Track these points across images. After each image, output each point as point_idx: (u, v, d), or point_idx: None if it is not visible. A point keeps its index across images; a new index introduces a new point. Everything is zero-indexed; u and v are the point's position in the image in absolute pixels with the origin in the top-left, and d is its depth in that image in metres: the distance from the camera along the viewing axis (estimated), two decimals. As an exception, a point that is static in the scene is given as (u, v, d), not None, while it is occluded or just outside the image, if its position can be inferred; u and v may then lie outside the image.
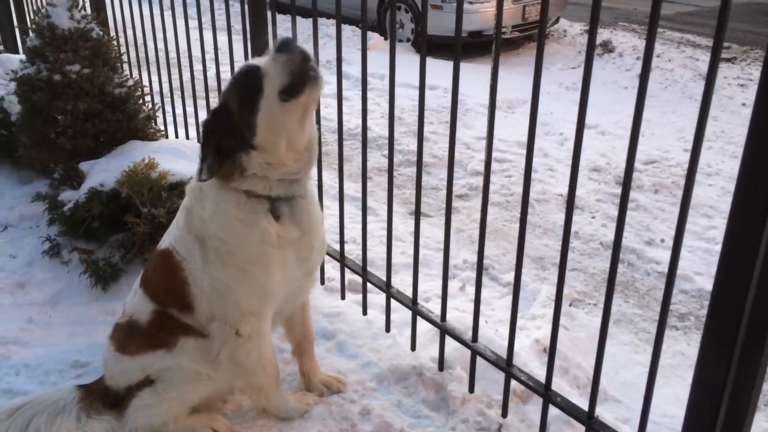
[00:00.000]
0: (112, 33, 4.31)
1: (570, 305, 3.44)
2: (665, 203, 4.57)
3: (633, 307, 3.50)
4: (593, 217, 4.43)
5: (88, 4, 4.43)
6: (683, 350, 3.18)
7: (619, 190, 4.59)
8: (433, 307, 2.73)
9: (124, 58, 4.21)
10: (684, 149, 5.46)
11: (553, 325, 2.18)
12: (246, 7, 3.20)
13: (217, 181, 2.05)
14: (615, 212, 4.39)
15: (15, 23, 6.32)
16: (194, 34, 3.72)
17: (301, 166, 2.07)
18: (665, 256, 3.87)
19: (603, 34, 9.23)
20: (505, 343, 2.43)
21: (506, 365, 2.39)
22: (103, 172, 3.29)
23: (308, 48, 2.01)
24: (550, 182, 4.95)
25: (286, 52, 1.93)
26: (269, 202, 2.07)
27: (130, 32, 4.39)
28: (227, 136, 1.98)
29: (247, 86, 1.95)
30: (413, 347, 2.77)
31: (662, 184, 4.82)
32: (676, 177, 4.90)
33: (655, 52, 8.73)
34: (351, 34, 9.04)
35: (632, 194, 4.67)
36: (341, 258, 3.08)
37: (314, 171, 2.32)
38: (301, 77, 1.92)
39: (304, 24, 7.43)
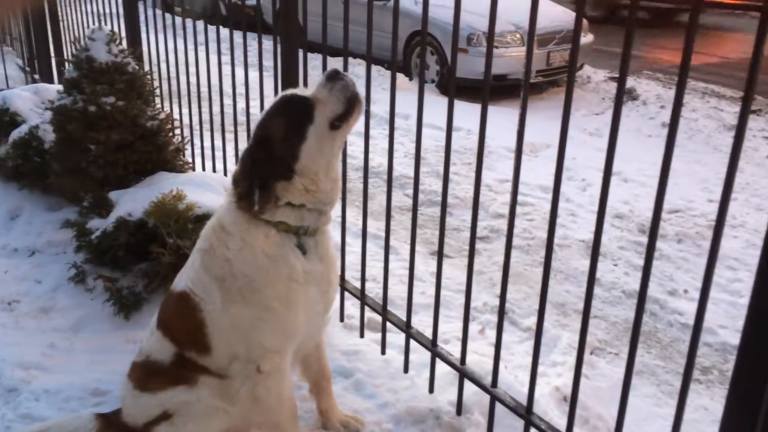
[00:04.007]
0: (147, 67, 4.43)
1: (591, 353, 3.40)
2: (689, 253, 4.53)
3: (655, 358, 3.45)
4: (615, 265, 4.40)
5: (125, 39, 4.56)
6: (706, 405, 3.11)
7: (642, 238, 4.59)
8: (453, 350, 2.71)
9: (158, 91, 4.32)
10: (708, 199, 5.43)
11: (575, 374, 2.16)
12: (278, 45, 3.29)
13: (243, 217, 2.08)
14: (638, 260, 4.38)
15: (52, 55, 6.52)
16: (226, 70, 3.81)
17: (335, 193, 2.15)
18: (688, 307, 3.82)
19: (627, 82, 9.26)
20: (525, 390, 2.40)
21: (526, 412, 2.37)
22: (131, 202, 3.34)
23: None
24: (571, 227, 4.93)
25: (340, 81, 2.04)
26: (296, 236, 2.10)
27: (164, 66, 4.51)
28: (266, 166, 2.03)
29: (296, 115, 2.03)
30: (431, 389, 2.75)
31: (686, 233, 4.78)
32: (700, 227, 4.87)
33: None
34: (377, 74, 9.18)
35: (656, 243, 4.62)
36: (361, 296, 3.08)
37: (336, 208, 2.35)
38: (350, 104, 2.04)
39: (334, 63, 7.51)
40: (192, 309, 2.16)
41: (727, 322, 3.71)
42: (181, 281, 2.24)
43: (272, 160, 2.03)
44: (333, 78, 2.06)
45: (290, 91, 2.14)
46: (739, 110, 1.60)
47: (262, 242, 2.07)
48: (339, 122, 2.05)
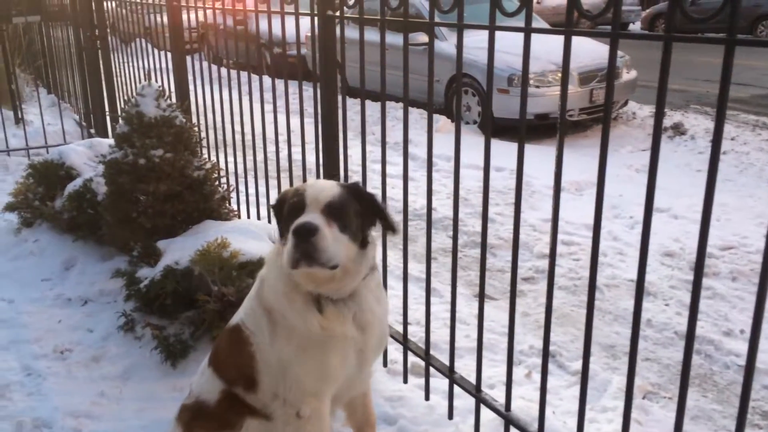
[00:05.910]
0: (194, 118, 4.58)
1: (643, 398, 3.28)
2: (744, 292, 4.36)
3: (711, 402, 3.31)
4: (667, 305, 4.26)
5: (174, 94, 4.73)
6: (769, 451, 2.96)
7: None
8: (498, 395, 2.66)
9: (204, 142, 4.45)
10: (763, 235, 5.24)
11: (623, 421, 2.09)
12: (319, 92, 3.36)
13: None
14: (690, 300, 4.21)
15: (107, 110, 6.81)
16: (270, 118, 3.90)
17: (329, 289, 2.06)
18: (745, 348, 3.63)
19: (674, 117, 9.13)
20: (573, 437, 2.33)
21: (574, 460, 2.29)
22: (179, 251, 3.43)
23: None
24: (620, 267, 4.82)
25: (292, 242, 1.89)
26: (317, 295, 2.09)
27: (210, 116, 4.65)
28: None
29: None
30: (476, 436, 2.69)
31: (740, 271, 4.62)
32: (755, 264, 4.69)
33: (730, 135, 8.53)
34: (419, 116, 9.26)
35: (709, 282, 4.47)
36: (404, 341, 3.06)
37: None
38: (296, 263, 1.90)
39: (374, 107, 7.65)
40: (243, 342, 2.19)
41: (788, 364, 3.54)
42: (237, 315, 2.30)
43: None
44: (295, 234, 1.88)
45: (303, 218, 1.92)
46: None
47: (291, 291, 2.09)
48: (291, 268, 1.95)
